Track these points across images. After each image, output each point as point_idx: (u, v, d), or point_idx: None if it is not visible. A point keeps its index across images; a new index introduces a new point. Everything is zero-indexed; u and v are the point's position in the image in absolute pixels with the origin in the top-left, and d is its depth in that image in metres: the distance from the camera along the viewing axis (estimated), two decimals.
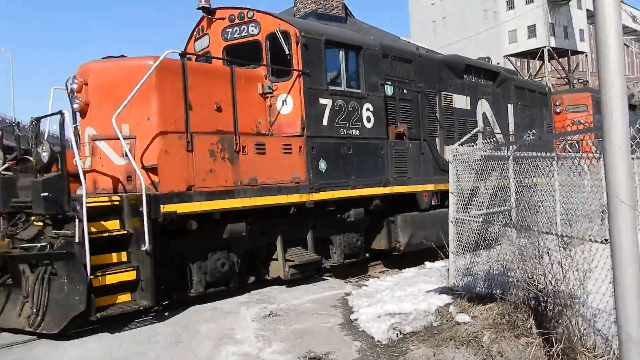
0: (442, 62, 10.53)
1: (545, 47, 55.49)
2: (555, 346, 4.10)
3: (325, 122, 7.72)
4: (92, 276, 5.51)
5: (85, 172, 6.14)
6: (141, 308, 5.89)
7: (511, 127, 11.95)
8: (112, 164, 6.60)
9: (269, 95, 7.62)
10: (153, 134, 6.46)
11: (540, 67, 56.17)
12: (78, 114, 6.93)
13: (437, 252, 6.99)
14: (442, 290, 6.55)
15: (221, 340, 5.43)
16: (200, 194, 6.30)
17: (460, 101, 10.73)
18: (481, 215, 6.44)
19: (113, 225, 5.99)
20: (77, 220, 5.50)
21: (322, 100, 7.70)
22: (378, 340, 5.34)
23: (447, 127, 10.28)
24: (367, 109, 8.36)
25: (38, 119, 6.58)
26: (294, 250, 7.64)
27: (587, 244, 4.34)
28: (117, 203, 6.02)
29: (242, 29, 7.98)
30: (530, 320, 4.77)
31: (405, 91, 9.47)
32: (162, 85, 6.56)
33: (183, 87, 6.43)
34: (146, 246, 5.77)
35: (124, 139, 6.33)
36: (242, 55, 7.94)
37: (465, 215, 6.63)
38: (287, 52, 7.47)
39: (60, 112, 5.74)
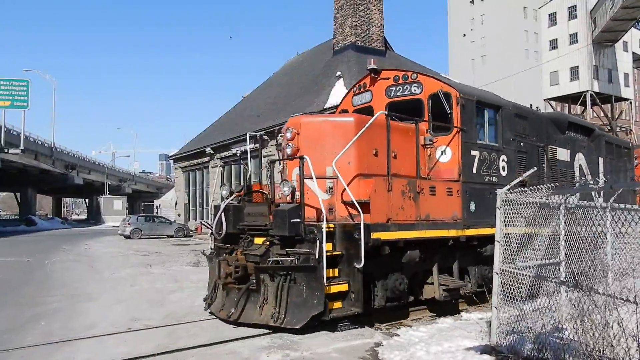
0: (549, 119, 12.08)
1: (587, 91, 54.37)
2: None
3: (474, 170, 9.30)
4: (327, 285, 7.11)
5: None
6: (355, 313, 7.45)
7: (601, 178, 13.34)
8: (317, 198, 8.22)
9: (429, 146, 9.23)
10: (352, 175, 8.08)
11: (582, 112, 55.46)
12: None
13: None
14: (484, 350, 6.09)
15: None
16: (394, 225, 7.88)
17: (563, 154, 12.22)
18: (531, 267, 6.07)
19: (328, 246, 7.59)
20: (317, 242, 7.14)
21: (473, 152, 9.29)
22: None
23: (553, 177, 11.76)
24: (503, 160, 9.94)
25: (272, 162, 8.28)
26: (442, 277, 9.13)
27: None
28: (332, 229, 7.64)
29: (405, 88, 9.63)
30: None
31: (522, 144, 11.00)
32: (359, 137, 8.21)
33: (387, 138, 8.04)
34: (360, 264, 7.35)
35: (328, 178, 8.00)
36: (403, 111, 9.54)
37: (511, 267, 6.12)
38: (449, 111, 9.06)
39: (302, 157, 7.43)
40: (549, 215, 6.08)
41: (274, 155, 30.29)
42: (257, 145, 30.72)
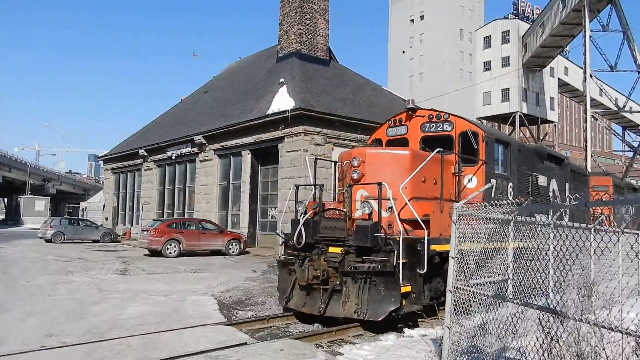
0: (533, 151, 14.52)
1: (517, 112, 58.91)
2: None
3: (492, 195, 11.41)
4: (402, 286, 8.92)
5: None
6: (418, 311, 9.29)
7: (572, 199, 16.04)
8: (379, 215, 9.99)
9: (458, 174, 11.26)
10: (408, 198, 9.92)
11: (511, 133, 58.75)
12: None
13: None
14: None
15: None
16: (444, 240, 9.80)
17: (542, 180, 14.69)
18: (486, 285, 5.90)
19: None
20: (394, 252, 8.93)
21: (491, 180, 11.41)
22: None
23: (536, 200, 14.17)
24: (510, 186, 12.16)
25: (351, 186, 9.97)
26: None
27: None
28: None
29: (437, 125, 11.63)
30: None
31: (519, 173, 13.32)
32: (412, 167, 10.07)
33: (441, 171, 10.01)
34: (423, 270, 9.20)
35: (388, 199, 9.82)
36: (434, 144, 11.51)
37: (465, 285, 5.88)
38: (476, 147, 11.14)
39: (380, 183, 9.19)
40: (503, 231, 6.10)
41: (211, 160, 31.18)
42: (193, 149, 31.35)
